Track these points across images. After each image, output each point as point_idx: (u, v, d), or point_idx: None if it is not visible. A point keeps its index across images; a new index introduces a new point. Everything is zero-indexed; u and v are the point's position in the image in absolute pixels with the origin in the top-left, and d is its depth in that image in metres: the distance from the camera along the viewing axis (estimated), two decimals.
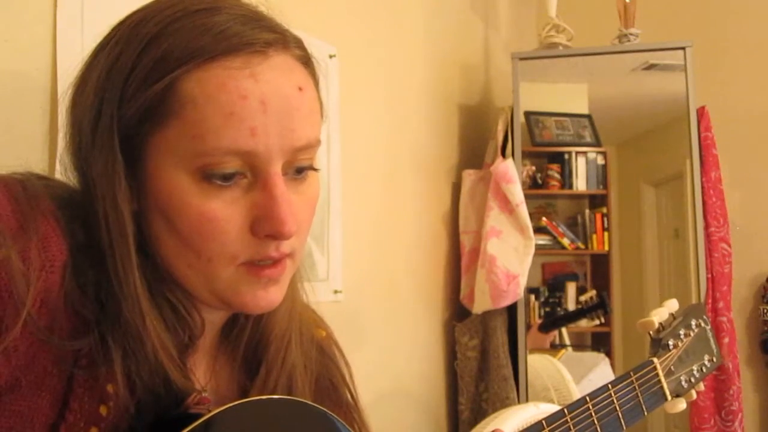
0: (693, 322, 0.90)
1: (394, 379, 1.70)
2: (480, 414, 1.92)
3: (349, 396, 0.72)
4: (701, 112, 1.98)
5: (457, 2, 2.19)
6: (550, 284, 2.14)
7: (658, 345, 0.86)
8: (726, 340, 1.93)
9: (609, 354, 2.06)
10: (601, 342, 2.10)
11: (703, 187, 1.95)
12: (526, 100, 2.05)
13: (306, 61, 0.57)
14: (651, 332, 0.86)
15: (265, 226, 0.53)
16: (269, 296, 0.56)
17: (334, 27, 1.45)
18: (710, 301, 1.93)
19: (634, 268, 2.12)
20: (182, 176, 0.51)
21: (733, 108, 2.25)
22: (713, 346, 0.92)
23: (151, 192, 0.52)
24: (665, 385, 0.84)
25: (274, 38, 0.54)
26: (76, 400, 0.49)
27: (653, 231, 2.11)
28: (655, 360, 0.85)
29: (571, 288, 2.13)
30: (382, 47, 1.68)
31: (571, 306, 2.13)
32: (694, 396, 0.89)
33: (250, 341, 0.63)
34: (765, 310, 2.25)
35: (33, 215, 0.49)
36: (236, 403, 0.53)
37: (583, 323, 2.10)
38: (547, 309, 2.12)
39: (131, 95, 0.51)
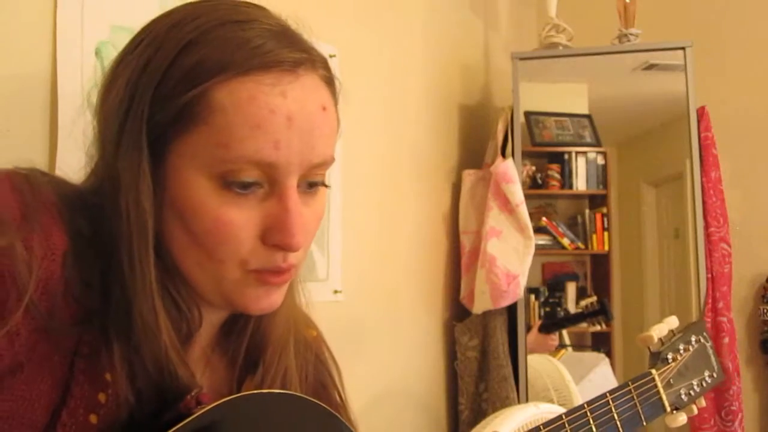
0: (693, 338, 0.90)
1: (394, 379, 1.71)
2: (480, 414, 1.92)
3: (337, 396, 0.73)
4: (701, 112, 1.98)
5: (457, 2, 2.19)
6: (550, 284, 2.14)
7: (657, 358, 0.87)
8: (726, 340, 1.93)
9: (609, 354, 2.06)
10: (601, 342, 2.10)
11: (703, 187, 1.95)
12: (526, 100, 2.05)
13: (330, 81, 0.59)
14: (650, 347, 0.87)
15: (276, 236, 0.55)
16: (271, 299, 0.59)
17: (334, 27, 1.45)
18: (710, 301, 1.93)
19: (634, 268, 2.12)
20: (203, 180, 0.53)
21: (733, 108, 2.25)
22: (714, 363, 0.92)
23: (170, 191, 0.54)
24: (664, 397, 0.85)
25: (304, 58, 0.56)
26: (77, 386, 0.50)
27: (653, 231, 2.11)
28: (654, 372, 0.85)
29: (571, 288, 2.13)
30: (382, 47, 1.68)
31: (571, 306, 2.13)
32: (695, 411, 0.89)
33: (250, 343, 0.65)
34: (765, 310, 2.24)
35: (36, 206, 0.51)
36: (236, 396, 0.54)
37: (584, 324, 2.10)
38: (547, 309, 2.12)
39: (164, 97, 0.53)
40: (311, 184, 0.58)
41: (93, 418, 0.51)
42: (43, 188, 0.53)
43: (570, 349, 2.10)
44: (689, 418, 0.88)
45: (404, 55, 1.81)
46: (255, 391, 0.58)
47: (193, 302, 0.58)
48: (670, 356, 0.88)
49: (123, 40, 0.58)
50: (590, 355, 2.09)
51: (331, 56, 1.40)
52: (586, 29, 2.16)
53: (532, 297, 2.09)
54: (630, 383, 0.83)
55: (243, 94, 0.52)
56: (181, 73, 0.52)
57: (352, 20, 1.55)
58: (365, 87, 1.60)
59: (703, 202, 1.95)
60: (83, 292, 0.51)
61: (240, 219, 0.54)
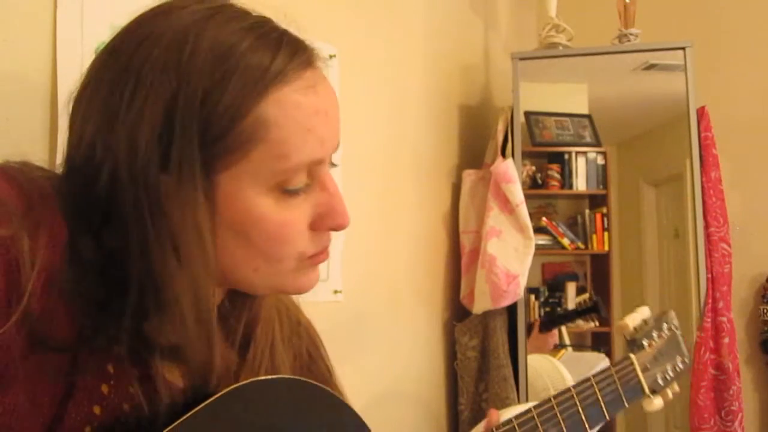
0: (664, 326, 0.96)
1: (394, 379, 1.70)
2: (480, 414, 1.92)
3: (324, 368, 0.76)
4: (701, 112, 1.98)
5: (457, 2, 2.19)
6: (550, 284, 2.14)
7: (634, 344, 0.92)
8: (726, 340, 1.93)
9: (609, 354, 2.06)
10: (601, 342, 2.10)
11: (703, 187, 1.95)
12: (526, 100, 2.05)
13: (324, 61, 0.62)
14: (626, 334, 0.93)
15: (329, 222, 0.59)
16: (318, 276, 0.63)
17: (334, 27, 1.45)
18: (710, 301, 1.93)
19: (634, 268, 2.12)
20: (261, 195, 0.55)
21: (733, 108, 2.25)
22: (684, 349, 0.97)
23: (224, 214, 0.55)
24: (642, 379, 0.89)
25: (311, 50, 0.59)
26: (80, 378, 0.51)
27: (653, 231, 2.11)
28: (632, 356, 0.90)
29: (571, 288, 2.13)
30: (382, 47, 1.68)
31: (570, 306, 2.13)
32: (670, 396, 0.93)
33: (246, 323, 0.66)
34: (765, 310, 2.25)
35: (35, 197, 0.51)
36: (238, 385, 0.55)
37: (578, 322, 2.10)
38: (547, 309, 2.12)
39: (215, 132, 0.52)
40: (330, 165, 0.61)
41: (96, 409, 0.51)
42: (39, 178, 0.53)
43: (570, 349, 2.10)
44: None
45: (404, 55, 1.81)
46: (260, 378, 0.58)
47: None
48: (645, 342, 0.93)
49: None
50: (590, 355, 2.09)
51: (331, 56, 1.40)
52: (586, 29, 2.16)
53: (532, 297, 2.09)
54: (611, 367, 0.87)
55: (288, 102, 0.54)
56: (227, 102, 0.52)
57: (352, 20, 1.55)
58: (365, 87, 1.59)
59: (703, 202, 1.95)
60: (82, 284, 0.51)
61: (298, 218, 0.57)
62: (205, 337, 0.54)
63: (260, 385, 0.56)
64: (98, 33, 0.89)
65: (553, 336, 2.04)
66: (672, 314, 0.99)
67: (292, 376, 0.63)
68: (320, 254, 0.61)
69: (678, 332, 0.97)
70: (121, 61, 0.54)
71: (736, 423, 1.91)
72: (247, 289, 0.61)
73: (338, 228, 0.59)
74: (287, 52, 0.55)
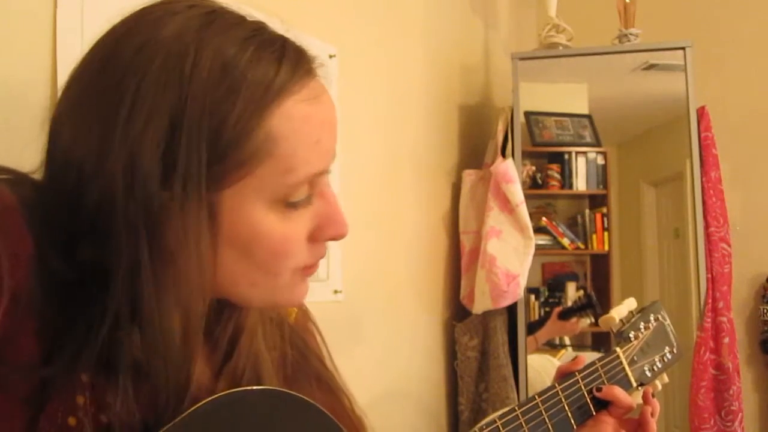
0: (651, 317, 0.95)
1: (394, 379, 1.70)
2: (480, 414, 1.92)
3: (319, 365, 0.72)
4: (701, 112, 1.98)
5: (457, 2, 2.19)
6: (550, 284, 2.14)
7: (620, 337, 0.91)
8: (726, 340, 1.93)
9: None
10: (601, 342, 2.10)
11: (703, 187, 1.95)
12: (526, 100, 2.05)
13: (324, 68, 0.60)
14: (613, 327, 0.92)
15: (329, 231, 0.58)
16: (308, 287, 0.61)
17: (334, 27, 1.45)
18: (710, 301, 1.93)
19: (634, 268, 2.12)
20: (264, 208, 0.53)
21: (733, 108, 2.25)
22: (673, 339, 0.96)
23: (226, 228, 0.53)
24: (629, 373, 0.88)
25: (312, 58, 0.57)
26: (53, 389, 0.49)
27: (653, 231, 2.11)
28: (618, 350, 0.89)
29: (571, 288, 2.13)
30: (382, 47, 1.68)
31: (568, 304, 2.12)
32: (659, 387, 0.92)
33: (232, 335, 0.64)
34: (765, 310, 2.25)
35: None
36: (212, 398, 0.53)
37: (584, 323, 2.10)
38: (547, 309, 2.12)
39: (223, 152, 0.50)
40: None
41: (72, 421, 0.49)
42: (2, 189, 0.50)
43: (570, 349, 2.10)
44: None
45: (404, 55, 1.81)
46: (238, 389, 0.56)
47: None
48: (632, 335, 0.91)
49: None
50: (590, 355, 2.09)
51: (331, 56, 1.40)
52: (586, 29, 2.16)
53: (532, 297, 2.09)
54: (597, 362, 0.85)
55: (295, 114, 0.53)
56: (236, 117, 0.50)
57: (352, 20, 1.55)
58: (365, 87, 1.59)
59: (703, 202, 1.95)
60: (49, 299, 0.49)
61: (299, 230, 0.56)
62: (184, 359, 0.52)
63: (233, 398, 0.54)
64: (98, 33, 0.88)
65: (573, 324, 2.03)
66: (659, 304, 0.98)
67: (263, 387, 0.60)
68: (313, 266, 0.60)
69: (666, 322, 0.96)
70: (116, 75, 0.50)
71: (736, 423, 1.91)
72: (242, 303, 0.59)
73: (337, 237, 0.58)
74: (290, 62, 0.54)
